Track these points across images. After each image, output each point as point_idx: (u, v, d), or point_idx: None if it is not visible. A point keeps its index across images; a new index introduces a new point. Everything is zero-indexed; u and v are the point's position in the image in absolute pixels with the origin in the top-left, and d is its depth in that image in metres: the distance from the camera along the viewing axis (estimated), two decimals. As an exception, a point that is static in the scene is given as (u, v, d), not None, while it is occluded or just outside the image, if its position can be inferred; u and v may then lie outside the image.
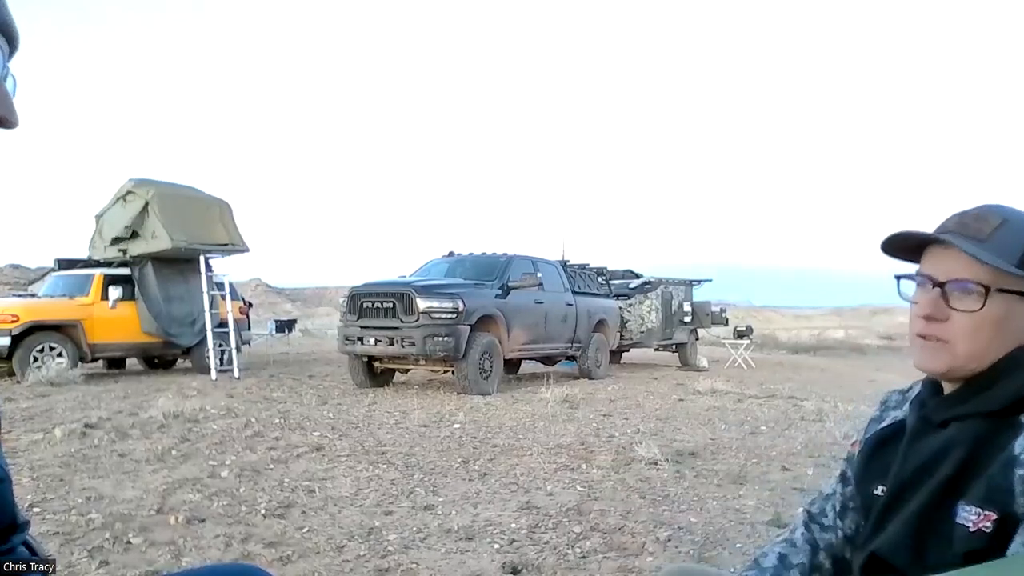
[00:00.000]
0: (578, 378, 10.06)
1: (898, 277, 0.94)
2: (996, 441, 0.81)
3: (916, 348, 0.90)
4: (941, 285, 0.87)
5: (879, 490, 0.95)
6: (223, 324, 9.94)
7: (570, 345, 9.92)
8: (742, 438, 5.50)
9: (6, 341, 8.64)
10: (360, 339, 8.01)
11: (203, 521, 3.17)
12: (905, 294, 0.93)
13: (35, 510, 3.25)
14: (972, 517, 0.80)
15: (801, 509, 1.13)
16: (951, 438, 0.87)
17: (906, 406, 1.00)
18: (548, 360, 10.55)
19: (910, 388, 1.01)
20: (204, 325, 9.69)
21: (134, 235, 9.62)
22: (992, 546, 0.77)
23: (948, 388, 0.91)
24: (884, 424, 1.03)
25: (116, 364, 11.27)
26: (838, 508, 1.06)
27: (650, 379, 10.64)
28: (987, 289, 0.83)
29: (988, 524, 0.78)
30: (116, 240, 9.81)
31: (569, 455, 4.69)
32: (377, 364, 8.59)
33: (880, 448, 1.00)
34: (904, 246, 0.93)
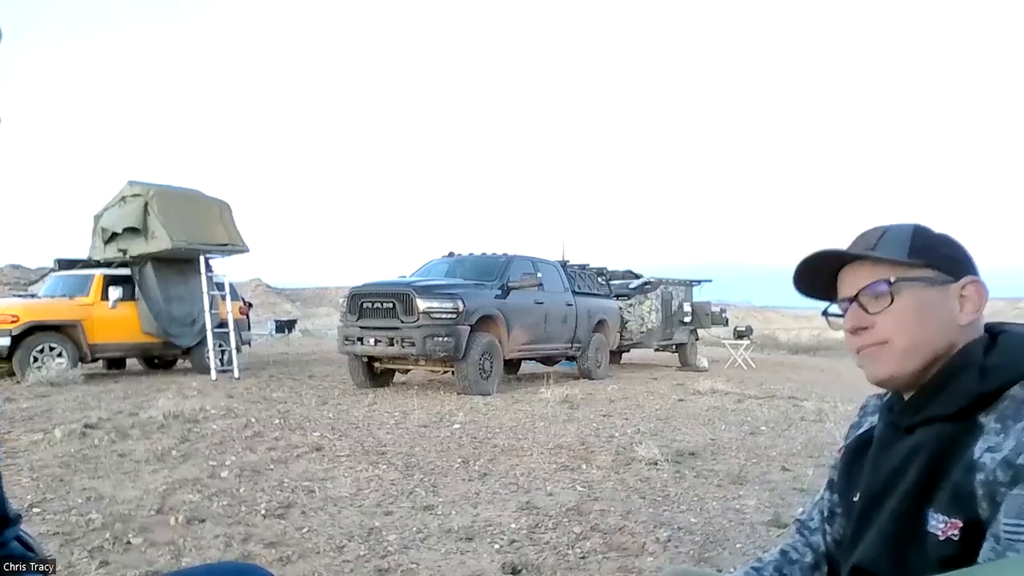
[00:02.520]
0: (578, 378, 10.06)
1: (824, 313, 1.01)
2: (958, 445, 0.82)
3: (862, 363, 0.94)
4: (855, 298, 0.92)
5: (856, 497, 0.96)
6: (223, 324, 9.94)
7: (570, 345, 9.92)
8: (742, 438, 5.50)
9: (6, 341, 8.64)
10: (360, 339, 8.01)
11: (203, 521, 3.17)
12: (836, 324, 0.99)
13: (35, 510, 3.25)
14: (940, 525, 0.80)
15: (794, 518, 1.14)
16: (916, 444, 0.87)
17: None
18: (548, 360, 10.55)
19: (888, 392, 1.01)
20: (204, 325, 9.69)
21: (130, 232, 9.60)
22: (963, 553, 0.77)
23: (908, 393, 0.92)
24: (862, 430, 1.04)
25: (116, 364, 11.27)
26: (825, 513, 1.06)
27: (650, 379, 10.64)
28: (890, 283, 0.89)
29: (955, 532, 0.78)
30: (111, 237, 9.81)
31: (569, 455, 4.69)
32: (377, 364, 8.59)
33: (858, 454, 1.00)
34: (816, 283, 0.99)
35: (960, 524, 0.78)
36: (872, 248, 0.92)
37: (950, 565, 0.78)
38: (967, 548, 0.77)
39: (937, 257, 0.90)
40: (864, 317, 0.91)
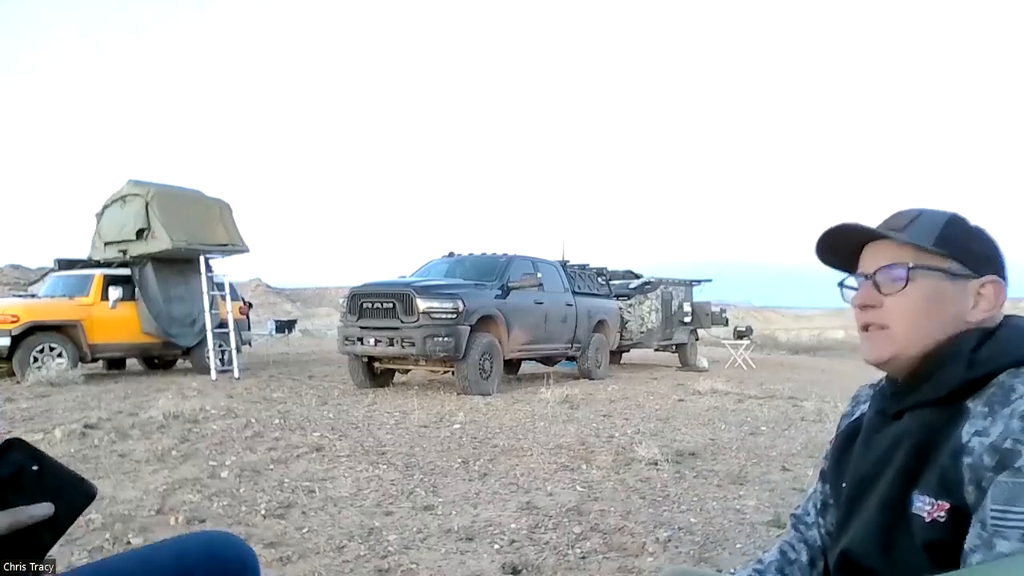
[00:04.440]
0: (578, 378, 10.06)
1: (840, 284, 1.00)
2: (945, 429, 0.82)
3: (862, 342, 0.94)
4: (872, 275, 0.92)
5: (845, 484, 0.96)
6: (223, 324, 9.94)
7: (570, 345, 9.92)
8: (742, 438, 5.50)
9: (6, 341, 8.64)
10: (360, 339, 8.01)
11: (203, 521, 3.17)
12: (849, 298, 0.98)
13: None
14: (927, 507, 0.80)
15: (790, 514, 1.14)
16: (903, 429, 0.88)
17: None
18: (548, 360, 10.55)
19: (879, 382, 1.02)
20: (204, 325, 9.69)
21: (138, 234, 9.61)
22: (950, 536, 0.77)
23: (902, 378, 0.92)
24: (853, 418, 1.04)
25: (116, 364, 11.27)
26: (819, 505, 1.06)
27: (650, 379, 10.64)
28: (908, 268, 0.88)
29: (942, 514, 0.78)
30: (119, 241, 9.82)
31: (569, 455, 4.68)
32: (377, 364, 8.59)
33: (848, 443, 1.01)
34: (839, 253, 0.98)
35: (947, 507, 0.78)
36: (902, 229, 0.91)
37: (935, 548, 0.79)
38: (953, 532, 0.77)
39: (964, 250, 0.88)
40: (875, 296, 0.91)
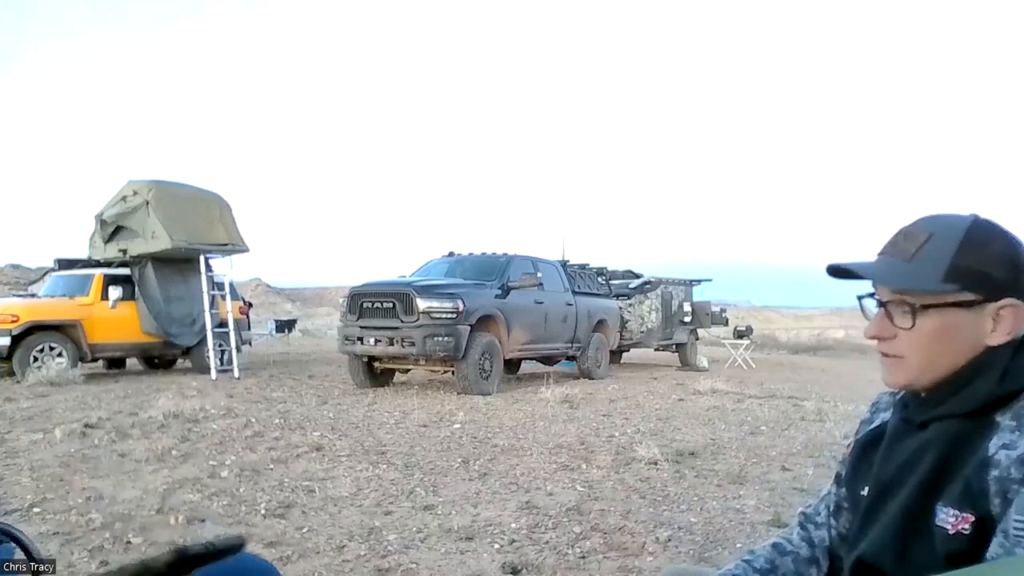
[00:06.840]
0: (578, 378, 10.06)
1: (860, 297, 0.97)
2: (971, 441, 0.82)
3: (881, 365, 0.93)
4: (884, 305, 0.90)
5: (865, 491, 0.96)
6: (223, 324, 9.93)
7: (570, 345, 9.92)
8: (742, 438, 5.50)
9: (6, 341, 8.64)
10: (360, 339, 8.01)
11: (203, 521, 3.17)
12: (869, 312, 0.96)
13: (35, 510, 3.26)
14: (950, 519, 0.80)
15: (799, 511, 1.13)
16: (928, 439, 0.88)
17: None
18: (548, 360, 10.55)
19: (900, 390, 1.02)
20: (204, 325, 9.68)
21: (130, 231, 9.60)
22: (973, 548, 0.77)
23: (927, 392, 0.92)
24: (874, 425, 1.04)
25: (116, 364, 11.27)
26: (832, 507, 1.06)
27: (650, 379, 10.64)
28: (913, 307, 0.86)
29: (966, 526, 0.78)
30: (112, 236, 9.80)
31: (569, 455, 4.69)
32: (377, 364, 8.58)
33: (868, 449, 1.00)
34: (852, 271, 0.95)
35: (972, 519, 0.78)
36: (910, 259, 0.87)
37: (958, 560, 0.78)
38: (976, 543, 0.77)
39: (979, 277, 0.84)
40: (887, 328, 0.90)
